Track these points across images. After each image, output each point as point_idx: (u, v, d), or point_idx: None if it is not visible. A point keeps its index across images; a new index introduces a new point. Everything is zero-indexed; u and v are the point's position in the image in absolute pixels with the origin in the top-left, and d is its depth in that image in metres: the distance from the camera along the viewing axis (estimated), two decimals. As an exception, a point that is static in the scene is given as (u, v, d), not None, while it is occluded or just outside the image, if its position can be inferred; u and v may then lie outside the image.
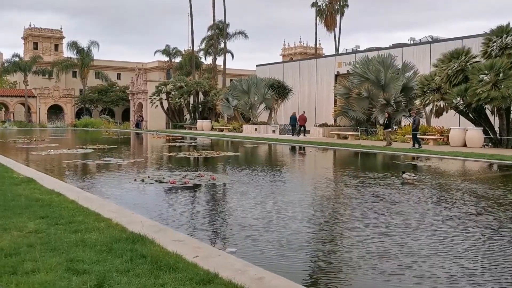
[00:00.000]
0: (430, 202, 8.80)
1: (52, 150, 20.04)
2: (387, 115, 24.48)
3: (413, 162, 16.67)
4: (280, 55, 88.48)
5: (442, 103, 26.33)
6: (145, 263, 4.65)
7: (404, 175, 11.12)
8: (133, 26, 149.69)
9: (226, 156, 18.37)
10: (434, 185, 10.85)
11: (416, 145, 21.58)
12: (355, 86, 29.84)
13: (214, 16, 49.60)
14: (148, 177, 11.78)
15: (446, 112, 26.64)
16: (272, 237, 6.29)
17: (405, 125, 28.15)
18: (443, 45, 32.24)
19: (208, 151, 19.93)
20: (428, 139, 24.26)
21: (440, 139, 24.18)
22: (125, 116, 64.11)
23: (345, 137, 29.05)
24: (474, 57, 23.65)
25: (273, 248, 5.82)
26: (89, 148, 21.53)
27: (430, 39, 36.69)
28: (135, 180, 11.36)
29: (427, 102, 26.09)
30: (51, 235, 5.86)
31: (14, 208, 7.37)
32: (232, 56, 61.16)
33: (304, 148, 23.46)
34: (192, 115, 49.24)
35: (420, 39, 37.72)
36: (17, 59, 60.63)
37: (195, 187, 10.44)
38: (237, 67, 70.77)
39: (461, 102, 23.16)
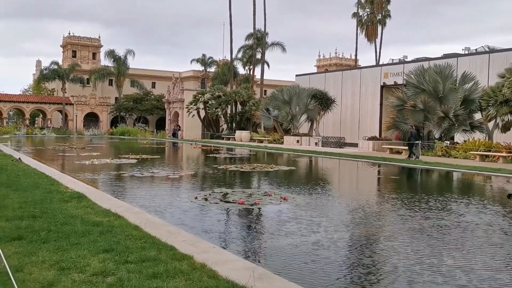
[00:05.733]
0: None
1: (95, 160, 18.96)
2: (411, 128, 24.46)
3: (500, 183, 14.68)
4: (314, 66, 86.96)
5: (510, 117, 24.14)
6: None
7: (516, 201, 9.27)
8: (163, 37, 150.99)
9: (282, 170, 16.77)
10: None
11: (413, 157, 22.40)
12: (409, 97, 27.85)
13: (254, 24, 48.53)
14: (210, 194, 10.32)
15: (515, 127, 24.40)
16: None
17: (465, 141, 25.89)
18: (503, 55, 29.99)
19: (259, 164, 18.38)
20: (497, 156, 22.06)
21: (509, 156, 21.93)
22: (159, 125, 63.52)
23: (398, 152, 27.01)
24: (549, 67, 21.44)
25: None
26: (132, 158, 20.37)
27: (486, 49, 34.36)
28: (196, 198, 9.90)
29: (493, 115, 23.94)
30: (124, 282, 4.39)
31: (70, 235, 5.98)
32: (268, 66, 59.82)
33: (362, 163, 21.50)
34: (229, 125, 48.04)
35: (476, 49, 35.40)
36: (55, 66, 61.10)
37: (270, 210, 8.88)
38: (271, 78, 69.43)
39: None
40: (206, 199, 9.73)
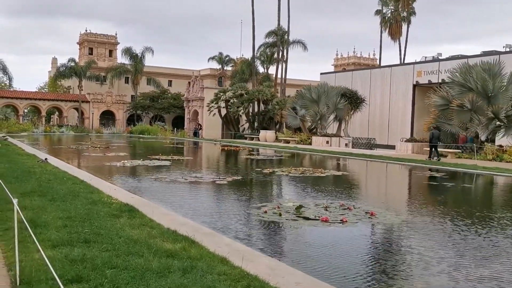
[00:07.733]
0: None
1: (125, 161, 17.37)
2: (433, 128, 23.54)
3: None
4: (332, 65, 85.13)
5: None
6: None
7: None
8: (175, 35, 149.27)
9: (334, 176, 15.01)
10: None
11: (435, 158, 21.99)
12: (453, 96, 25.93)
13: (279, 20, 46.77)
14: (278, 207, 8.64)
15: None
16: None
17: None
18: (551, 52, 27.96)
19: (305, 168, 16.59)
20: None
21: None
22: (175, 123, 62.04)
23: (442, 155, 25.02)
24: None
25: None
26: (164, 159, 18.74)
27: (530, 46, 32.27)
28: (266, 212, 8.23)
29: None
30: None
31: (145, 275, 4.31)
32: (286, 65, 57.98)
33: (415, 167, 19.40)
34: (251, 124, 46.37)
35: (518, 46, 33.34)
36: (72, 63, 59.95)
37: (368, 232, 7.16)
38: (289, 76, 67.58)
39: None
40: (280, 214, 8.05)
